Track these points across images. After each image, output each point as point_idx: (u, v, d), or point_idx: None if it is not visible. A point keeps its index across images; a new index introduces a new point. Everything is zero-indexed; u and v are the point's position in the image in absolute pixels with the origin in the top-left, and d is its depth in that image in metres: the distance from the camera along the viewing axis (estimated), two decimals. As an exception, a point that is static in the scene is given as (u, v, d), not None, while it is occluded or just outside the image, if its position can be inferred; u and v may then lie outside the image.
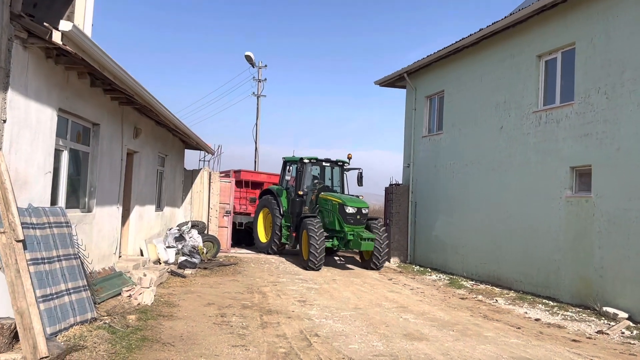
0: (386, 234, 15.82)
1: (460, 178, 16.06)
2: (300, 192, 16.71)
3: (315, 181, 17.66)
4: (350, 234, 15.33)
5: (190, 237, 15.37)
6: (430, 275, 16.00)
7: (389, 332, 8.55)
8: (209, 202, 17.62)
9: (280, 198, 17.57)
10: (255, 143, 29.42)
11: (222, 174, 21.07)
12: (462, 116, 16.12)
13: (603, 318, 10.41)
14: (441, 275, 15.83)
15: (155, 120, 12.82)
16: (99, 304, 8.39)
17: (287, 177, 17.55)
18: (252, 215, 20.12)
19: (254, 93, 30.23)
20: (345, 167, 17.73)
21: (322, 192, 16.81)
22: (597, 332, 9.40)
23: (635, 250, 10.23)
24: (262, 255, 18.43)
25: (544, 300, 12.05)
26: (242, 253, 18.74)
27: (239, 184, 21.20)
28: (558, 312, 10.99)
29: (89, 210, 9.37)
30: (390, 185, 19.07)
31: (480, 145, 15.11)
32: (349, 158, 17.61)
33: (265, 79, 30.59)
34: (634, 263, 10.25)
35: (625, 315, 10.17)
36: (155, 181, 14.12)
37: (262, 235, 18.72)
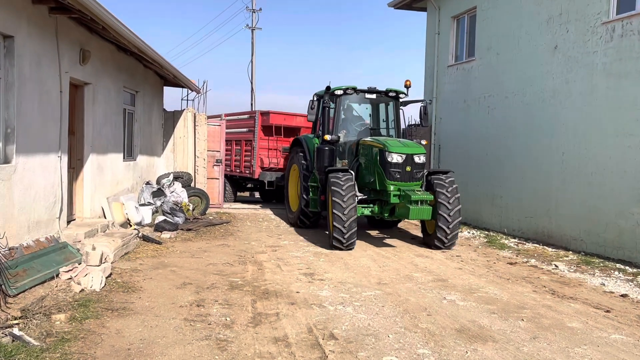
0: (457, 196, 10.42)
1: (498, 114, 13.20)
2: (327, 137, 11.26)
3: (361, 122, 12.45)
4: (394, 195, 10.22)
5: (172, 192, 12.72)
6: (461, 231, 13.39)
7: (434, 327, 5.96)
8: (194, 149, 14.85)
9: (307, 148, 12.42)
10: (252, 84, 26.37)
11: (245, 116, 17.46)
12: (501, 37, 13.10)
13: None
14: (474, 232, 13.23)
15: (115, 43, 9.92)
16: (14, 296, 5.78)
17: (312, 117, 12.23)
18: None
19: (247, 25, 26.91)
20: (401, 100, 12.24)
21: (366, 137, 11.54)
22: None
23: None
24: (261, 211, 15.84)
25: (617, 265, 9.44)
26: (237, 208, 16.14)
27: (267, 130, 16.50)
28: (645, 282, 8.40)
29: (6, 161, 6.64)
30: (409, 126, 16.15)
31: (526, 71, 12.18)
32: (407, 86, 11.74)
33: (260, 9, 27.19)
34: None
35: None
36: (122, 123, 11.32)
37: (293, 201, 13.32)
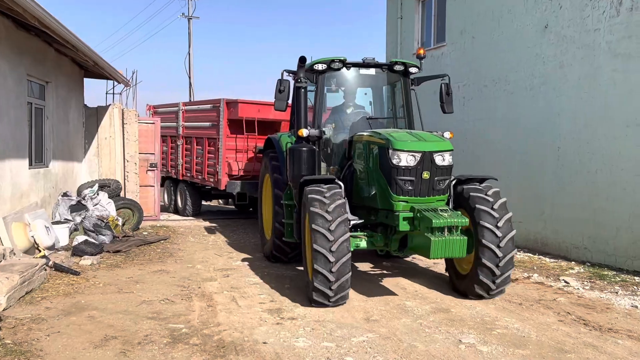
0: (508, 216, 6.82)
1: (475, 105, 11.69)
2: (303, 132, 7.71)
3: (357, 111, 8.72)
4: (404, 219, 6.70)
5: (96, 205, 10.46)
6: (437, 239, 11.77)
7: (469, 397, 4.19)
8: (124, 152, 12.55)
9: (279, 150, 8.95)
10: (189, 78, 24.07)
11: (208, 106, 13.48)
12: (478, 18, 11.59)
13: None
14: (452, 239, 11.63)
15: (12, 16, 7.64)
16: None
17: (281, 104, 8.08)
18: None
19: (183, 14, 24.59)
20: (412, 77, 8.63)
21: (362, 131, 7.90)
22: None
23: None
24: (206, 222, 13.69)
25: (636, 279, 8.04)
26: (177, 220, 13.93)
27: (235, 125, 12.46)
28: (682, 301, 6.99)
29: None
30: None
31: (510, 56, 10.70)
32: (420, 57, 8.51)
33: (198, -1, 24.79)
34: None
35: None
36: (28, 120, 9.00)
37: (267, 225, 9.51)
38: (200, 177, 13.71)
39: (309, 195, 6.59)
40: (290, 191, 8.06)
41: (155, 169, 13.44)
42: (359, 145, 7.69)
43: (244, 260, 9.30)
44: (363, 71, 8.39)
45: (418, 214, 6.56)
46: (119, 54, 64.16)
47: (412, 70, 8.46)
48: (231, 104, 12.54)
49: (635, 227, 8.32)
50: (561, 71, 9.57)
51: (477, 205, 6.77)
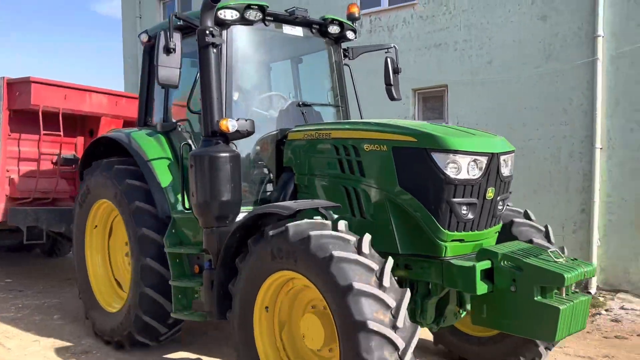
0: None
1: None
2: (227, 124, 4.21)
3: (267, 96, 5.99)
4: (482, 272, 3.81)
5: None
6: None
7: None
8: None
9: (150, 163, 5.22)
10: None
11: None
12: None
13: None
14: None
15: None
16: None
17: (169, 74, 4.28)
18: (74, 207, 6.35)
19: None
20: (345, 46, 5.98)
21: (298, 126, 5.11)
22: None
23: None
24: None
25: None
26: None
27: (25, 119, 7.81)
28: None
29: None
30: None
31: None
32: (354, 17, 5.64)
33: None
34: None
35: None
36: None
37: (100, 284, 5.98)
38: None
39: (335, 253, 3.38)
40: (177, 230, 5.10)
41: None
42: (320, 145, 4.65)
43: (30, 307, 7.14)
44: (288, 30, 5.39)
45: (505, 263, 3.87)
46: None
47: (350, 35, 5.80)
48: (18, 86, 7.96)
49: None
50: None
51: (536, 241, 4.50)
